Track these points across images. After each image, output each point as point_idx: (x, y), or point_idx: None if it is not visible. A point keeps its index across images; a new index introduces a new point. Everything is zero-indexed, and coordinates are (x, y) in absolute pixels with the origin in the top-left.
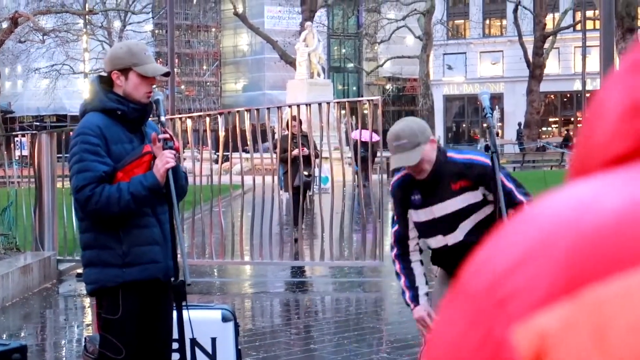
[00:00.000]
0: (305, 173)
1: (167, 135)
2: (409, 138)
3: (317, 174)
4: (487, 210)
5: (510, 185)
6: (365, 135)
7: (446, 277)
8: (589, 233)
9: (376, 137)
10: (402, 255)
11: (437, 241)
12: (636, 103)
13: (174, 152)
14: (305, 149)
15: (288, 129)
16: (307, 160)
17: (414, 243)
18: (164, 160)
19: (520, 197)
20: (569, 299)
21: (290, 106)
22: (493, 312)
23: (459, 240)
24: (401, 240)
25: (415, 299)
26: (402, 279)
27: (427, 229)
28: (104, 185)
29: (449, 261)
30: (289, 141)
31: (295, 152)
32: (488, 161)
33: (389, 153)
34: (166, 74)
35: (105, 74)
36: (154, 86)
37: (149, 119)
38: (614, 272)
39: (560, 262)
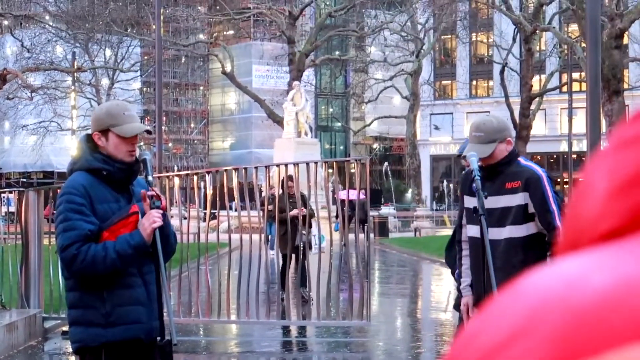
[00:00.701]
0: (304, 232)
1: (154, 194)
2: (486, 132)
3: (314, 232)
4: (522, 229)
5: (554, 207)
6: (351, 194)
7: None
8: (577, 310)
9: (362, 196)
10: (458, 242)
11: (474, 230)
12: (623, 181)
13: (161, 211)
14: (303, 209)
15: (283, 189)
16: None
17: (465, 234)
18: (151, 220)
19: (559, 222)
20: None
21: (278, 165)
22: None
23: (492, 238)
24: (459, 226)
25: (459, 291)
26: (456, 269)
27: (472, 215)
28: (90, 244)
29: (477, 258)
30: (286, 201)
31: (294, 212)
32: (542, 173)
33: (376, 212)
34: (147, 132)
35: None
36: (141, 144)
37: (139, 176)
38: (602, 349)
39: (549, 340)
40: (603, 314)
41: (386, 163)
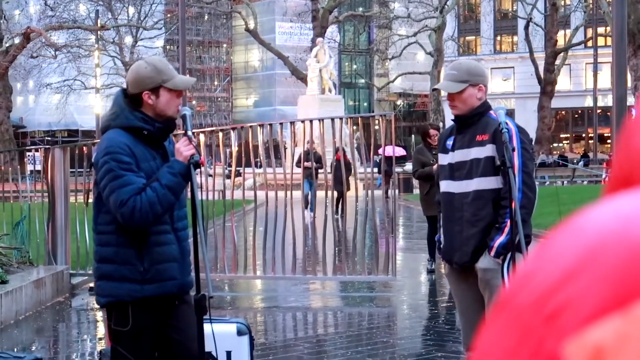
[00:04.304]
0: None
1: (193, 150)
2: (459, 72)
3: None
4: (492, 181)
5: (516, 161)
6: (388, 150)
7: (453, 273)
8: (636, 247)
9: (403, 152)
10: (438, 203)
11: (445, 185)
12: None
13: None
14: None
15: (424, 140)
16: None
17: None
18: (188, 147)
19: (517, 178)
20: (620, 312)
21: (303, 121)
22: (543, 327)
23: (462, 191)
24: (438, 184)
25: (441, 252)
26: (438, 234)
27: (444, 171)
28: (142, 194)
29: (448, 212)
30: (428, 154)
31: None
32: (512, 126)
33: (400, 169)
34: None
35: (125, 89)
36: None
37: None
38: None
39: (610, 276)
40: None
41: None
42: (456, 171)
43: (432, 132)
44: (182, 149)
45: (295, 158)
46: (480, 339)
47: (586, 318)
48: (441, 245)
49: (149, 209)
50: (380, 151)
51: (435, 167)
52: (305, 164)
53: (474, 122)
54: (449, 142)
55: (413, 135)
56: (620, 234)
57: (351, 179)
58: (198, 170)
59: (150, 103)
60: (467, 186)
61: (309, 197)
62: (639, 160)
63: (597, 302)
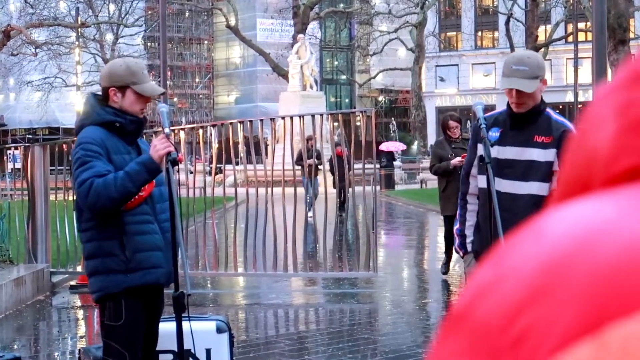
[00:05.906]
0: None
1: (171, 148)
2: (531, 67)
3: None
4: (547, 187)
5: None
6: (388, 146)
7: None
8: (610, 261)
9: (403, 147)
10: (464, 194)
11: (486, 180)
12: None
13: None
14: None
15: (444, 132)
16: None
17: (474, 184)
18: (165, 144)
19: None
20: (592, 337)
21: (283, 118)
22: (508, 353)
23: (511, 191)
24: (467, 175)
25: (463, 247)
26: (457, 225)
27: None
28: (102, 177)
29: (488, 209)
30: (447, 147)
31: (456, 161)
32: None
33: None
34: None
35: (99, 91)
36: (159, 100)
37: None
38: (635, 308)
39: (579, 296)
40: (636, 268)
41: (393, 119)
42: (505, 168)
43: (452, 124)
44: (159, 145)
45: (296, 155)
46: (435, 353)
47: (556, 345)
48: (467, 240)
49: (103, 190)
50: (382, 147)
51: (453, 161)
52: (309, 161)
53: (533, 120)
54: (494, 134)
55: (394, 132)
56: (588, 246)
57: (330, 175)
58: (176, 167)
59: (115, 100)
60: (519, 188)
61: (309, 196)
62: (597, 161)
63: (566, 326)
